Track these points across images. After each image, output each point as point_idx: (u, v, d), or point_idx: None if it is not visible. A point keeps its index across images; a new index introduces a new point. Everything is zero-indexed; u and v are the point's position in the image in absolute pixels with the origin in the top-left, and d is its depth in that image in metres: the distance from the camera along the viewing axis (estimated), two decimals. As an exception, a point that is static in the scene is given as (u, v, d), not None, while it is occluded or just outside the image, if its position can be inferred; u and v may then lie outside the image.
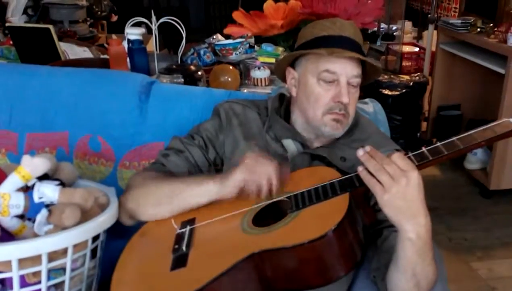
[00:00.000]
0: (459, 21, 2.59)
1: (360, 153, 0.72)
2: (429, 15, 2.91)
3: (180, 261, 0.76)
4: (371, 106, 1.21)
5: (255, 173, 0.81)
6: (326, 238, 0.69)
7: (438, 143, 0.75)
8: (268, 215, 0.81)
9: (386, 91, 2.86)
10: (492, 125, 0.76)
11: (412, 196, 0.69)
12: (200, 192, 0.84)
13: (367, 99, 1.23)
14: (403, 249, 0.73)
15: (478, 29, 2.51)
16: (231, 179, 0.82)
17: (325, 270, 0.71)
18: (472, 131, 0.75)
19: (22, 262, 0.74)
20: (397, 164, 0.70)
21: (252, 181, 0.81)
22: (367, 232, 0.83)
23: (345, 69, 0.88)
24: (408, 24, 3.61)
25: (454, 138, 0.75)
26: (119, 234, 0.90)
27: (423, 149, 0.74)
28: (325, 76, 0.89)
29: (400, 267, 0.75)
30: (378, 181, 0.70)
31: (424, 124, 2.97)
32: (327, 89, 0.89)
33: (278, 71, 1.02)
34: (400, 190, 0.69)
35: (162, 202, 0.86)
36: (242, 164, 0.82)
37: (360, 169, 0.73)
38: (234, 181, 0.81)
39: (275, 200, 0.82)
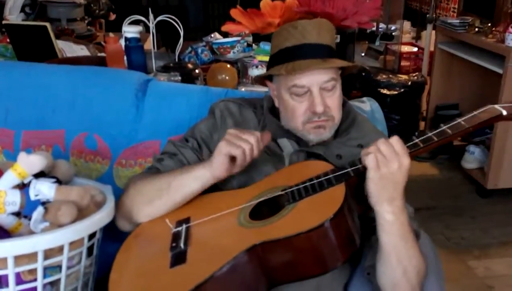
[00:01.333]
0: (457, 21, 2.59)
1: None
2: (427, 15, 2.91)
3: (179, 258, 0.76)
4: (369, 105, 1.21)
5: (237, 143, 0.82)
6: (324, 227, 0.70)
7: (429, 133, 0.77)
8: (265, 209, 0.81)
9: (385, 91, 2.87)
10: (478, 111, 0.79)
11: (399, 179, 0.74)
12: (192, 178, 0.85)
13: (364, 98, 1.23)
14: (383, 232, 0.75)
15: (476, 29, 2.52)
16: (216, 156, 0.83)
17: (323, 259, 0.72)
18: (460, 119, 0.78)
19: (18, 259, 0.74)
20: (394, 146, 0.74)
21: (235, 148, 0.81)
22: (364, 225, 0.84)
23: (313, 80, 0.87)
24: (406, 24, 3.62)
25: (443, 127, 0.77)
26: (116, 233, 0.90)
27: (415, 139, 0.77)
28: (295, 90, 0.89)
29: (384, 254, 0.76)
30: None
31: (422, 124, 2.98)
32: (301, 102, 0.89)
33: (261, 84, 1.03)
34: (390, 170, 0.73)
35: (154, 197, 0.86)
36: (223, 138, 0.83)
37: (363, 150, 0.76)
38: (219, 156, 0.82)
39: (271, 195, 0.82)
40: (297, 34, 0.88)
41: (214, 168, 0.83)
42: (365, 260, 0.86)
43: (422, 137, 0.77)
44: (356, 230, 0.75)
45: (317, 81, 0.87)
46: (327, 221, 0.70)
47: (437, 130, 0.77)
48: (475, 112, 0.79)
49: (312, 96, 0.88)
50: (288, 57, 0.88)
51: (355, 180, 0.77)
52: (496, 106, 0.79)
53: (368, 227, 0.86)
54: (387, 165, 0.73)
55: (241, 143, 0.82)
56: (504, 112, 0.78)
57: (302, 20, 0.90)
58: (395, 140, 0.74)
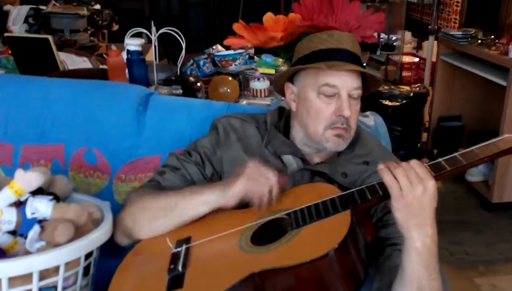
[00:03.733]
0: (460, 33, 2.59)
1: (381, 166, 0.73)
2: (429, 26, 2.91)
3: (176, 281, 0.74)
4: (372, 119, 1.19)
5: (257, 183, 0.80)
6: (328, 257, 0.67)
7: (440, 159, 0.75)
8: (267, 233, 0.79)
9: (387, 102, 2.86)
10: (495, 141, 0.75)
11: (426, 205, 0.70)
12: (199, 202, 0.83)
13: (367, 112, 1.21)
14: (409, 260, 0.72)
15: (479, 41, 2.52)
16: (232, 188, 0.81)
17: (326, 290, 0.69)
18: (474, 147, 0.75)
19: (12, 280, 0.73)
20: (416, 170, 0.70)
21: (254, 190, 0.80)
22: (368, 251, 0.82)
23: (345, 82, 0.87)
24: (408, 35, 3.62)
25: (456, 154, 0.74)
26: (113, 251, 0.88)
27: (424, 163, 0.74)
28: (325, 90, 0.87)
29: (405, 280, 0.73)
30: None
31: (424, 135, 2.96)
32: (328, 103, 0.88)
33: (277, 87, 1.01)
34: (416, 196, 0.69)
35: (158, 216, 0.84)
36: (244, 173, 0.81)
37: (381, 166, 0.72)
38: (235, 190, 0.81)
39: (274, 217, 0.80)
40: (334, 41, 0.89)
41: (225, 198, 0.81)
42: (371, 281, 0.83)
43: (432, 162, 0.74)
44: (361, 260, 0.72)
45: (348, 85, 0.87)
46: (332, 250, 0.67)
47: (449, 157, 0.74)
48: (491, 141, 0.75)
49: (341, 100, 0.87)
50: (325, 56, 0.88)
51: (364, 206, 0.75)
52: None
53: (376, 248, 0.84)
54: (412, 191, 0.69)
55: (262, 186, 0.79)
56: None
57: (336, 30, 0.93)
58: (415, 163, 0.71)
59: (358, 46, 0.92)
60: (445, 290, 0.88)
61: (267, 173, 0.81)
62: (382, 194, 0.74)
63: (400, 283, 0.74)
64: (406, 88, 2.92)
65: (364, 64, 0.96)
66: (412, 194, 0.69)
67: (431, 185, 0.70)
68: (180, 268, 0.75)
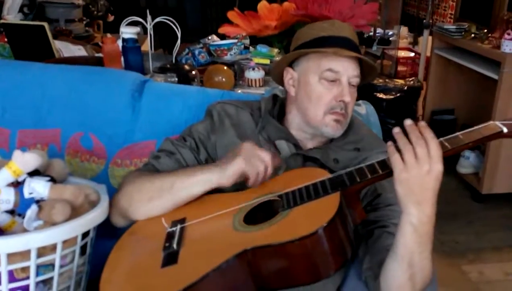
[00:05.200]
0: (454, 27, 2.61)
1: (396, 130, 0.71)
2: (424, 21, 2.93)
3: (171, 258, 0.76)
4: (364, 108, 1.22)
5: (252, 161, 0.82)
6: (317, 235, 0.69)
7: (439, 147, 0.75)
8: (260, 214, 0.81)
9: (381, 95, 2.88)
10: (479, 127, 0.77)
11: (428, 185, 0.70)
12: (196, 181, 0.85)
13: (360, 101, 1.24)
14: (403, 234, 0.73)
15: (472, 35, 2.54)
16: (230, 167, 0.83)
17: (315, 267, 0.71)
18: (459, 133, 0.76)
19: (11, 257, 0.74)
20: (429, 149, 0.69)
21: (250, 169, 0.82)
22: (357, 233, 0.84)
23: (347, 69, 0.90)
24: (404, 30, 3.64)
25: (441, 139, 0.75)
26: (110, 233, 0.90)
27: None
28: (327, 75, 0.90)
29: (397, 255, 0.74)
30: (402, 158, 0.70)
31: (418, 128, 2.98)
32: (329, 88, 0.90)
33: (275, 72, 1.02)
34: (420, 174, 0.69)
35: (153, 196, 0.86)
36: (241, 152, 0.83)
37: (389, 143, 0.73)
38: (233, 169, 0.82)
39: (267, 199, 0.82)
40: (335, 29, 0.92)
41: (224, 177, 0.83)
42: (361, 263, 0.86)
43: None
44: (350, 240, 0.74)
45: (349, 72, 0.90)
46: (321, 228, 0.69)
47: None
48: (475, 127, 0.77)
49: (341, 86, 0.90)
50: (328, 42, 0.90)
51: (354, 189, 0.77)
52: (497, 122, 0.78)
53: (365, 230, 0.86)
54: (416, 167, 0.69)
55: (258, 164, 0.82)
56: (505, 130, 0.77)
57: (337, 20, 0.94)
58: (434, 144, 0.70)
59: (356, 36, 0.95)
60: (434, 279, 0.91)
61: (261, 152, 0.84)
62: (370, 177, 0.76)
63: (392, 257, 0.76)
64: (400, 81, 2.94)
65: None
66: (417, 171, 0.69)
67: (438, 167, 0.69)
68: (175, 245, 0.77)
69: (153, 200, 0.86)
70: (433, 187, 0.70)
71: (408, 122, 0.71)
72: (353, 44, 0.92)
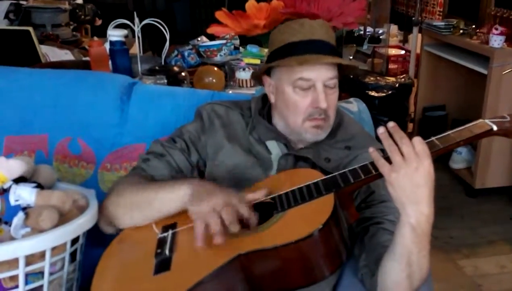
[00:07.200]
0: (443, 23, 2.63)
1: (381, 130, 0.71)
2: (413, 18, 2.95)
3: (163, 265, 0.74)
4: (356, 106, 1.21)
5: (209, 215, 0.73)
6: (312, 238, 0.68)
7: (424, 142, 0.75)
8: None
9: (373, 93, 2.89)
10: (469, 125, 0.78)
11: (419, 182, 0.69)
12: (170, 198, 0.81)
13: (351, 99, 1.23)
14: (402, 235, 0.72)
15: (461, 31, 2.56)
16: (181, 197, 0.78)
17: (311, 270, 0.71)
18: (450, 132, 0.76)
19: (-2, 266, 0.72)
20: (415, 147, 0.69)
21: (199, 217, 0.74)
22: (352, 232, 0.83)
23: (320, 75, 0.87)
24: (394, 28, 3.66)
25: (433, 138, 0.75)
26: (100, 240, 0.88)
27: None
28: (300, 84, 0.88)
29: (396, 255, 0.74)
30: (389, 162, 0.70)
31: (410, 125, 3.00)
32: (304, 96, 0.88)
33: (257, 80, 1.01)
34: (408, 172, 0.68)
35: (134, 210, 0.84)
36: (210, 197, 0.75)
37: (371, 149, 0.72)
38: (179, 203, 0.79)
39: (260, 201, 0.80)
40: (305, 31, 0.88)
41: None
42: (357, 261, 0.85)
43: None
44: (344, 241, 0.74)
45: (323, 77, 0.87)
46: (316, 230, 0.68)
47: (426, 141, 0.73)
48: (466, 126, 0.77)
49: (316, 92, 0.87)
50: (296, 50, 0.87)
51: (347, 189, 0.76)
52: (487, 121, 0.78)
53: (360, 228, 0.86)
54: (404, 167, 0.68)
55: (210, 219, 0.73)
56: (495, 128, 0.77)
57: (306, 19, 0.91)
58: (417, 139, 0.70)
59: (331, 33, 0.91)
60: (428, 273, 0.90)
61: (227, 212, 0.73)
62: (364, 178, 0.75)
63: (390, 256, 0.76)
64: (392, 79, 2.95)
65: (338, 49, 0.96)
66: (405, 170, 0.68)
67: (427, 163, 0.68)
68: (167, 252, 0.76)
69: (134, 213, 0.84)
70: (426, 184, 0.69)
71: (390, 124, 0.71)
72: (325, 45, 0.88)
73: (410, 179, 0.68)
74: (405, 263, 0.73)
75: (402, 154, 0.69)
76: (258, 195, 0.80)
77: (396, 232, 0.73)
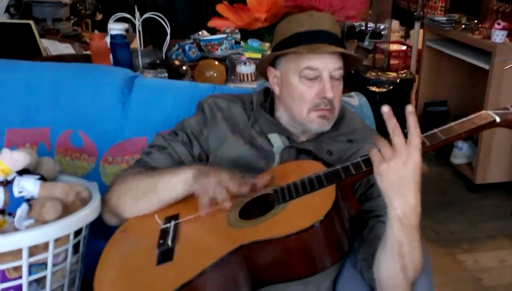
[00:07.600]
0: (444, 18, 2.62)
1: (385, 109, 0.70)
2: (415, 13, 2.94)
3: (166, 255, 0.75)
4: (357, 100, 1.21)
5: (214, 189, 0.77)
6: (314, 229, 0.69)
7: (421, 135, 0.76)
8: (255, 209, 0.80)
9: (374, 88, 2.88)
10: (472, 117, 0.77)
11: (406, 175, 0.69)
12: (179, 180, 0.83)
13: (352, 93, 1.23)
14: (391, 226, 0.73)
15: (463, 26, 2.55)
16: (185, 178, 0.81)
17: (312, 261, 0.71)
18: (453, 123, 0.76)
19: (2, 256, 0.73)
20: (411, 139, 0.69)
21: (202, 192, 0.78)
22: (354, 224, 0.84)
23: (326, 64, 0.88)
24: (395, 23, 3.65)
25: (436, 130, 0.75)
26: (103, 232, 0.88)
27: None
28: (307, 73, 0.88)
29: (387, 247, 0.75)
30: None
31: (411, 121, 2.99)
32: (310, 86, 0.89)
33: (260, 71, 1.01)
34: (397, 164, 0.69)
35: (139, 197, 0.85)
36: (210, 174, 0.79)
37: (366, 146, 0.73)
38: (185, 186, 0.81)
39: (262, 193, 0.81)
40: (313, 21, 0.89)
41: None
42: (356, 253, 0.86)
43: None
44: (346, 232, 0.74)
45: (329, 67, 0.88)
46: (318, 222, 0.69)
47: (429, 133, 0.75)
48: (468, 117, 0.77)
49: (323, 82, 0.88)
50: (305, 39, 0.88)
51: (349, 181, 0.77)
52: (490, 112, 0.78)
53: (359, 221, 0.86)
54: (392, 160, 0.69)
55: (215, 192, 0.77)
56: (498, 119, 0.77)
57: (314, 11, 0.92)
58: (414, 133, 0.69)
59: (337, 26, 0.92)
60: (427, 267, 0.91)
61: (229, 182, 0.77)
62: (365, 169, 0.75)
63: (382, 248, 0.76)
64: (393, 74, 2.94)
65: (344, 44, 0.96)
66: (394, 161, 0.69)
67: (415, 157, 0.69)
68: (169, 242, 0.76)
69: (139, 201, 0.85)
70: (411, 177, 0.70)
71: (385, 109, 0.70)
72: (332, 36, 0.89)
73: (397, 171, 0.69)
74: (397, 254, 0.74)
75: (392, 144, 0.69)
76: (262, 179, 0.81)
77: (386, 224, 0.74)
